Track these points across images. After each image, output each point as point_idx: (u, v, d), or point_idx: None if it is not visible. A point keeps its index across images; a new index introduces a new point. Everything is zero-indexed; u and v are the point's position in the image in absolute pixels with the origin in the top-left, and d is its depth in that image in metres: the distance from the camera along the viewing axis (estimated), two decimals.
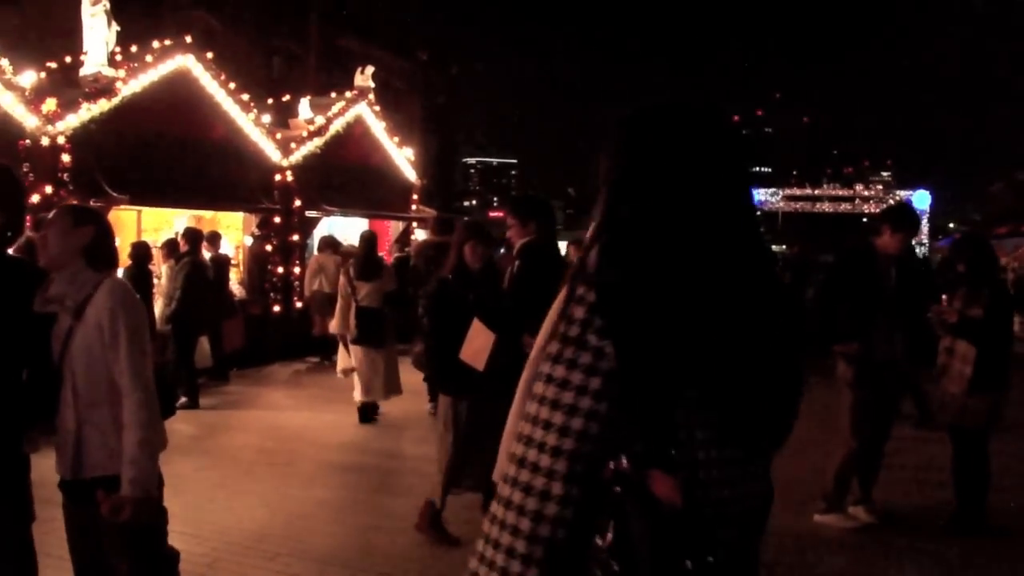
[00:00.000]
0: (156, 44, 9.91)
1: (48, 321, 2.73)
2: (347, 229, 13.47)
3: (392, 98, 27.00)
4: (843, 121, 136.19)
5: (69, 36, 10.77)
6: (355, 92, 13.55)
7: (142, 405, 2.67)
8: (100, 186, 8.99)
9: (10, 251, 2.96)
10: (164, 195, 10.09)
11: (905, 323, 5.07)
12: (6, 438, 2.74)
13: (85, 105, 9.00)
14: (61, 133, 8.73)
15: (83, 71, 9.40)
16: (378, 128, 14.14)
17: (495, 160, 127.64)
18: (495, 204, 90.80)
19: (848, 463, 5.14)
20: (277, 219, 11.86)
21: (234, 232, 12.18)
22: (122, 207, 9.99)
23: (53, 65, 9.48)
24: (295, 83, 22.08)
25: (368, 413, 8.00)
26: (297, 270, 12.17)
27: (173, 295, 8.56)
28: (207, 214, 11.73)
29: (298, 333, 11.84)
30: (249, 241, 12.04)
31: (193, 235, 9.07)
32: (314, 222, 12.65)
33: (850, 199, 39.16)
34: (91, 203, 9.04)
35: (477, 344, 4.46)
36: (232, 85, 10.96)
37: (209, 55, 10.69)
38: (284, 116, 13.15)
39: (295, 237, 12.20)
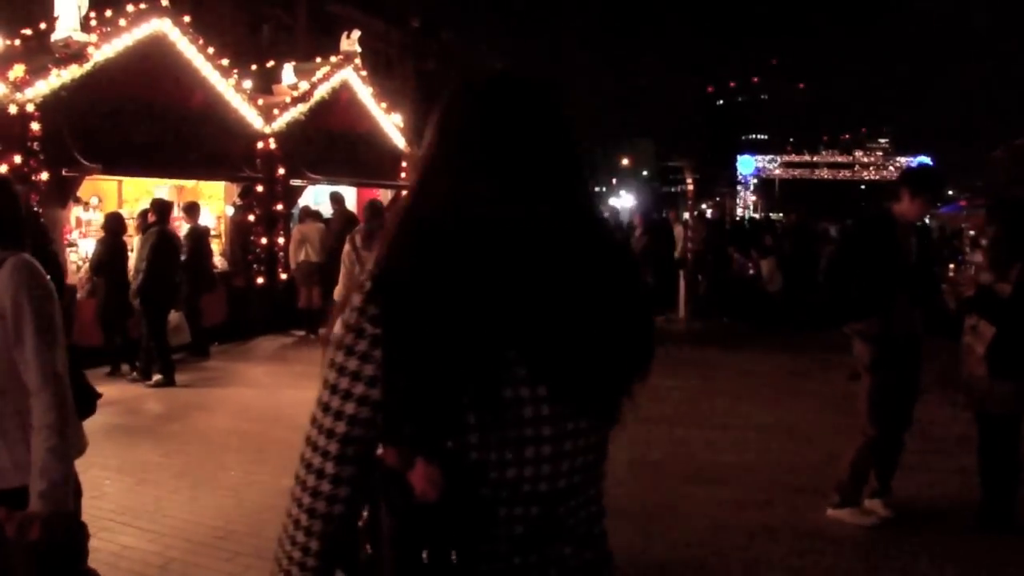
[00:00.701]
0: (131, 8, 9.54)
1: None
2: (319, 196, 13.08)
3: (383, 65, 26.45)
4: (840, 87, 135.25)
5: (41, 1, 10.38)
6: (340, 57, 13.14)
7: (52, 405, 2.28)
8: (71, 155, 8.70)
9: None
10: (140, 164, 9.76)
11: (925, 296, 4.69)
12: None
13: (55, 71, 8.67)
14: (30, 100, 8.43)
15: (54, 36, 9.05)
16: (365, 94, 13.72)
17: None
18: None
19: (865, 452, 4.63)
20: (260, 188, 11.51)
21: (216, 202, 11.85)
22: (100, 176, 9.70)
23: (28, 32, 9.12)
24: (285, 51, 21.60)
25: None
26: (281, 240, 11.86)
27: (139, 267, 8.21)
28: (188, 183, 11.41)
29: (283, 305, 11.57)
30: (231, 211, 11.71)
31: (161, 206, 8.71)
32: (299, 191, 12.30)
33: (849, 166, 38.92)
34: (63, 172, 8.77)
35: None
36: (211, 50, 10.58)
37: (186, 19, 10.31)
38: (268, 82, 12.72)
39: (279, 206, 11.87)
